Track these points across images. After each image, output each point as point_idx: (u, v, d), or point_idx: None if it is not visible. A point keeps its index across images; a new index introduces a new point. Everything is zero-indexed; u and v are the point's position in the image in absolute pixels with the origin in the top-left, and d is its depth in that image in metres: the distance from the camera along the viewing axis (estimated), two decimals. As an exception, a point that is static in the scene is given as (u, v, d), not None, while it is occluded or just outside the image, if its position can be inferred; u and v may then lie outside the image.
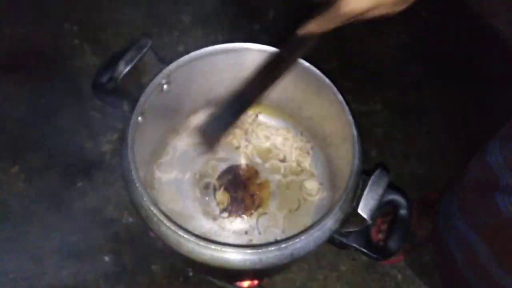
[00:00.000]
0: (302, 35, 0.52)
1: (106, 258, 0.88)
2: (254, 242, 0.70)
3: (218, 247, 0.50)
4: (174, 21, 1.15)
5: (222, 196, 0.73)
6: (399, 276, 0.88)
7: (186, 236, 0.50)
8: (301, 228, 0.56)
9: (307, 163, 0.76)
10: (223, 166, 0.77)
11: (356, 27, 0.50)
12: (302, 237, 0.51)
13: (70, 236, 0.88)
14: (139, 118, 0.61)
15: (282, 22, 1.15)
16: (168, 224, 0.51)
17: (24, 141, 0.97)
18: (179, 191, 0.75)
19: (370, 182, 0.50)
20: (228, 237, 0.71)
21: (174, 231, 0.51)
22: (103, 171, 0.95)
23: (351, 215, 0.54)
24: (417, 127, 1.07)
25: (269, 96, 0.76)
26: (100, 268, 0.86)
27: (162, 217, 0.51)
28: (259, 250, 0.50)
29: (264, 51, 0.65)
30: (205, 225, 0.72)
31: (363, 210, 0.49)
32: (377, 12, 0.45)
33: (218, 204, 0.73)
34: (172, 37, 1.12)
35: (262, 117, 0.81)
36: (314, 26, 0.50)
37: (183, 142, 0.78)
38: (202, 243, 0.50)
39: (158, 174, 0.75)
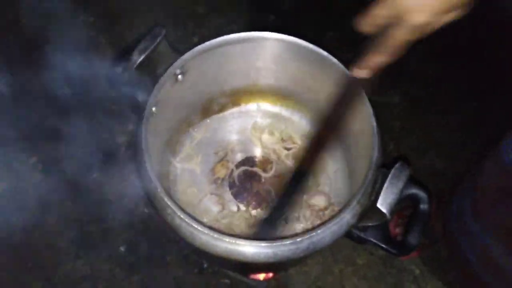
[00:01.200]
0: (360, 76, 0.46)
1: (122, 248, 0.88)
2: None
3: (232, 240, 0.49)
4: (189, 12, 1.14)
5: (220, 167, 0.72)
6: (417, 271, 0.86)
7: (200, 228, 0.49)
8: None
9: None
10: (238, 157, 0.77)
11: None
12: (319, 231, 0.50)
13: (86, 227, 0.89)
14: (153, 109, 0.60)
15: (297, 11, 1.13)
16: (182, 215, 0.50)
17: (42, 132, 0.98)
18: (194, 183, 0.75)
19: (390, 176, 0.48)
20: (242, 230, 0.70)
21: (188, 223, 0.50)
22: (119, 162, 0.95)
23: (370, 210, 0.53)
24: (435, 121, 1.04)
25: (281, 85, 0.75)
26: (115, 258, 0.86)
27: (176, 209, 0.50)
28: (274, 244, 0.49)
29: (281, 40, 0.64)
30: (219, 217, 0.71)
31: (382, 204, 0.47)
32: (439, 22, 0.41)
33: (215, 174, 0.73)
34: (187, 28, 1.11)
35: (276, 109, 0.80)
36: (374, 59, 0.44)
37: (199, 133, 0.78)
38: (216, 235, 0.49)
39: (173, 164, 0.74)
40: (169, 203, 0.51)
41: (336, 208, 0.70)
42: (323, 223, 0.51)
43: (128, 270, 0.85)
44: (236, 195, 0.73)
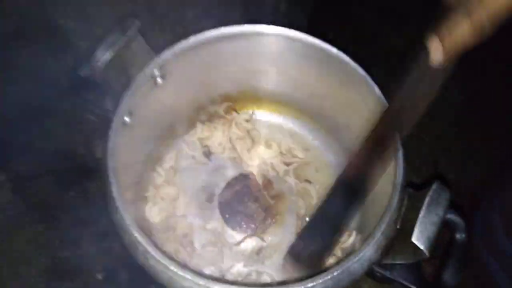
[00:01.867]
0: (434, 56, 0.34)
1: (99, 276, 0.76)
2: (269, 264, 0.59)
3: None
4: (177, 17, 1.02)
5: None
6: None
7: (180, 273, 0.38)
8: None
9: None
10: (230, 174, 0.66)
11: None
12: (335, 273, 0.39)
13: (60, 252, 0.77)
14: (126, 119, 0.49)
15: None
16: (157, 256, 0.39)
17: (11, 146, 0.87)
18: (178, 204, 0.63)
19: (427, 201, 0.38)
20: (236, 260, 0.59)
21: (165, 266, 0.39)
22: (97, 179, 0.84)
23: (397, 242, 0.42)
24: (446, 127, 0.95)
25: (282, 91, 0.65)
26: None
27: (149, 247, 0.39)
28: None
29: (281, 35, 0.54)
30: (208, 245, 0.60)
31: (419, 239, 0.36)
32: None
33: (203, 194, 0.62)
34: (175, 34, 0.99)
35: (274, 117, 0.70)
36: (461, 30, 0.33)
37: (185, 146, 0.67)
38: (201, 282, 0.38)
39: (154, 183, 0.63)
40: (140, 239, 0.39)
41: (347, 236, 0.59)
42: (338, 261, 0.40)
43: (106, 301, 0.74)
44: (227, 220, 0.62)
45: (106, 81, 0.47)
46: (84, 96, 0.49)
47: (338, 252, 0.59)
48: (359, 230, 0.59)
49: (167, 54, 0.51)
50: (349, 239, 0.60)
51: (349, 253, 0.58)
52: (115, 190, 0.42)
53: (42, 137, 0.86)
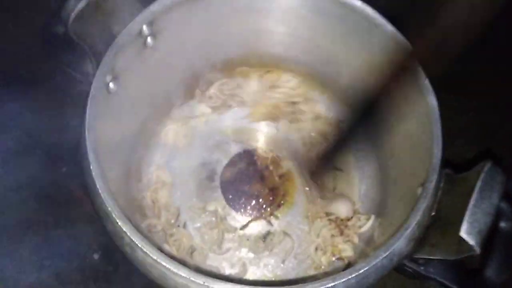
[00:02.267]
0: None
1: (95, 256, 0.71)
2: (278, 252, 0.53)
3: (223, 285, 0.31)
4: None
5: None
6: None
7: (173, 269, 0.31)
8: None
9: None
10: (234, 150, 0.59)
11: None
12: (361, 270, 0.32)
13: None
14: (111, 85, 0.42)
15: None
16: (146, 249, 0.32)
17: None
18: (175, 183, 0.57)
19: (478, 185, 0.30)
20: (239, 246, 0.53)
21: (155, 260, 0.32)
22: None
23: (433, 233, 0.35)
24: (463, 102, 0.86)
25: (295, 56, 0.57)
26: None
27: (136, 239, 0.32)
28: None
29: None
30: (207, 229, 0.54)
31: (470, 232, 0.29)
32: None
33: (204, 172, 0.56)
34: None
35: (285, 84, 0.62)
36: None
37: (182, 119, 0.60)
38: (198, 280, 0.31)
39: (148, 160, 0.56)
40: (125, 229, 0.32)
41: (365, 220, 0.53)
42: (364, 257, 0.33)
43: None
44: (230, 201, 0.55)
45: (83, 38, 0.39)
46: (61, 57, 0.41)
47: (354, 238, 0.53)
48: (379, 214, 0.53)
49: (156, 6, 0.42)
50: (367, 223, 0.53)
51: (367, 240, 0.52)
52: (95, 170, 0.35)
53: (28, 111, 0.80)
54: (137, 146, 0.54)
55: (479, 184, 0.31)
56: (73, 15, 0.36)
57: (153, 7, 0.42)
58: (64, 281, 0.69)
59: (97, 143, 0.37)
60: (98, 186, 0.34)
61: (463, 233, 0.29)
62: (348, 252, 0.51)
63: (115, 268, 0.69)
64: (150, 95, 0.52)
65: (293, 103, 0.61)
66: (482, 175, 0.31)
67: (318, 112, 0.60)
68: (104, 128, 0.39)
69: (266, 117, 0.60)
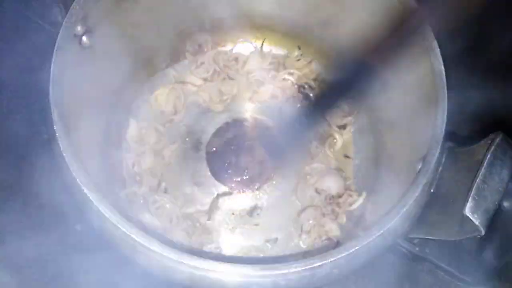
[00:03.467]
0: None
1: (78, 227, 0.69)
2: (264, 228, 0.50)
3: (211, 266, 0.28)
4: None
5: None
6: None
7: (145, 243, 0.28)
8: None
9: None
10: (221, 119, 0.55)
11: None
12: (352, 249, 0.29)
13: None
14: (84, 38, 0.37)
15: None
16: (114, 220, 0.29)
17: None
18: (157, 152, 0.53)
19: (488, 160, 0.27)
20: (225, 220, 0.50)
21: (125, 233, 0.29)
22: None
23: (431, 211, 0.32)
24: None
25: (290, 17, 0.54)
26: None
27: (103, 206, 0.29)
28: (276, 271, 0.29)
29: None
30: (194, 202, 0.51)
31: (475, 211, 0.26)
32: None
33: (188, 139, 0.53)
34: None
35: (279, 51, 0.58)
36: None
37: (166, 85, 0.56)
38: (172, 255, 0.28)
39: (129, 126, 0.53)
40: (91, 196, 0.29)
41: (357, 196, 0.50)
42: (355, 237, 0.30)
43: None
44: (216, 172, 0.52)
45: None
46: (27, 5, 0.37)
47: (343, 218, 0.50)
48: (372, 191, 0.50)
49: None
50: (358, 199, 0.50)
51: (357, 220, 0.49)
52: (60, 130, 0.31)
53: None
54: (117, 108, 0.50)
55: (488, 157, 0.27)
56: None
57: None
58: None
59: (65, 100, 0.33)
60: (62, 148, 0.30)
61: (467, 211, 0.26)
62: (335, 231, 0.48)
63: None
64: (131, 52, 0.48)
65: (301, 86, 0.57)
66: (492, 148, 0.28)
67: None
68: (74, 84, 0.36)
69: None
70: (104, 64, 0.43)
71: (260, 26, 0.56)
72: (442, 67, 0.35)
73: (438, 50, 0.35)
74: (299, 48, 0.57)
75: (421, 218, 0.33)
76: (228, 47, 0.57)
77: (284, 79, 0.57)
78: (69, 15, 0.34)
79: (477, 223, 0.27)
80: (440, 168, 0.34)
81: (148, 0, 0.44)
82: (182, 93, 0.56)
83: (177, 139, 0.54)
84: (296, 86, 0.57)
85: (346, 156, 0.54)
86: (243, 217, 0.51)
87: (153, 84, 0.55)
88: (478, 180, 0.27)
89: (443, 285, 0.57)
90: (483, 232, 0.27)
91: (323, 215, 0.51)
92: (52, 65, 0.32)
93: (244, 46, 0.58)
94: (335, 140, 0.55)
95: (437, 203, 0.33)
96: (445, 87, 0.34)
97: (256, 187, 0.53)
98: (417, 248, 0.33)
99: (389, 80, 0.36)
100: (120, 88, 0.50)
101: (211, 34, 0.56)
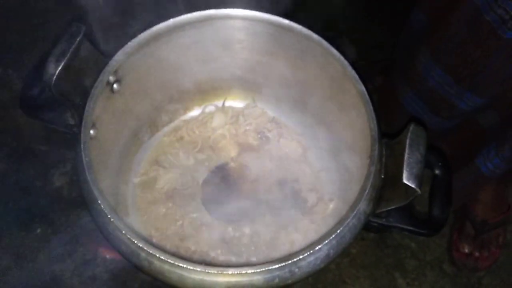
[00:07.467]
0: None
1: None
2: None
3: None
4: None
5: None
6: (413, 245, 0.79)
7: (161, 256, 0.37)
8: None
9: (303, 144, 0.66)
10: (208, 168, 0.65)
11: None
12: (338, 231, 0.40)
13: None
14: (91, 132, 0.47)
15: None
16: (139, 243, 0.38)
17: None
18: (155, 201, 0.62)
19: (408, 143, 0.39)
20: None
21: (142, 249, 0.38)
22: (64, 209, 0.80)
23: (386, 190, 0.44)
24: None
25: (239, 75, 0.65)
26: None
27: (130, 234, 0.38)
28: (288, 261, 0.38)
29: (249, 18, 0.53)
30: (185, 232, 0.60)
31: (409, 178, 0.38)
32: None
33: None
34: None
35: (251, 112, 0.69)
36: None
37: (153, 150, 0.66)
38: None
39: (130, 185, 0.62)
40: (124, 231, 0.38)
41: (329, 202, 0.61)
42: (338, 223, 0.41)
43: None
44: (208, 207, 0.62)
45: (63, 95, 0.44)
46: (40, 117, 0.46)
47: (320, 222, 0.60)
48: (340, 196, 0.60)
49: (118, 56, 0.48)
50: (329, 205, 0.61)
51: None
52: (102, 201, 0.40)
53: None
54: (120, 175, 0.59)
55: (407, 141, 0.40)
56: (53, 78, 0.41)
57: (117, 57, 0.48)
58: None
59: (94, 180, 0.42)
60: (105, 211, 0.39)
61: (405, 180, 0.38)
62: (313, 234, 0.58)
63: None
64: (124, 133, 0.57)
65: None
66: (409, 134, 0.40)
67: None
68: (95, 165, 0.44)
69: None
70: (107, 146, 0.52)
71: (218, 88, 0.66)
72: (363, 87, 0.47)
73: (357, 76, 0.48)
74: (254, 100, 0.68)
75: (381, 197, 0.45)
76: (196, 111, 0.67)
77: (245, 130, 0.67)
78: (85, 121, 0.43)
79: (413, 186, 0.38)
80: (383, 159, 0.47)
81: (131, 88, 0.53)
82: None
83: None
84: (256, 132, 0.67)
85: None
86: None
87: (144, 152, 0.64)
88: (405, 157, 0.39)
89: (371, 237, 0.69)
90: (419, 192, 0.38)
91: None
92: (82, 157, 0.41)
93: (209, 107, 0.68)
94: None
95: (388, 183, 0.45)
96: (370, 102, 0.46)
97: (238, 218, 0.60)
98: (384, 220, 0.44)
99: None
100: (121, 159, 0.59)
101: (179, 102, 0.66)
